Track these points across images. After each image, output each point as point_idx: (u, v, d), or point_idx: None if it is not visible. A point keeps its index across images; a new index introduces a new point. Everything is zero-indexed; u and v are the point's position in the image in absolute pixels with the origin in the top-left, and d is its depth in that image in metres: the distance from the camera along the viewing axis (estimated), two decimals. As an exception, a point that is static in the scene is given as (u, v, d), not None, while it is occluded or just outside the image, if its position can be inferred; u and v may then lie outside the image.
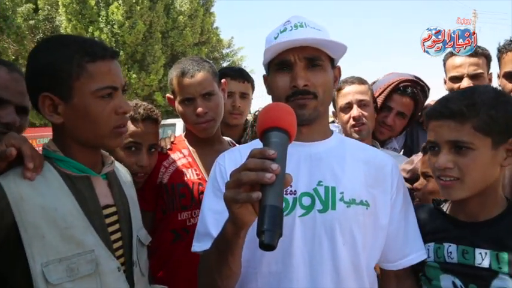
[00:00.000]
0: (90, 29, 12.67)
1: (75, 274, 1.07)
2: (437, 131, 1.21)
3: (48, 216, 1.06)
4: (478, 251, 1.17)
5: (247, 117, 2.46)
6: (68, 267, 1.06)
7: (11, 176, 1.07)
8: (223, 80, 1.93)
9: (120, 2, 12.63)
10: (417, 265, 1.26)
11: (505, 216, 1.21)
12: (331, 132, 1.31)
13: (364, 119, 2.03)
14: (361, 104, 2.04)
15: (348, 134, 2.04)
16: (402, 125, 2.22)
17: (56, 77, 1.11)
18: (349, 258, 1.15)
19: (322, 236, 1.13)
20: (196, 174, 1.80)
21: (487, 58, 2.32)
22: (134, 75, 12.98)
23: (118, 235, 1.22)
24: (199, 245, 1.18)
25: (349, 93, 2.06)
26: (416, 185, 1.71)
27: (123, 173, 1.41)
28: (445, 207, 1.35)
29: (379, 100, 2.14)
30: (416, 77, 2.21)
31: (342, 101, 2.08)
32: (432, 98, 2.30)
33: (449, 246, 1.23)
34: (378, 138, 2.22)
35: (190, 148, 1.86)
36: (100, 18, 12.70)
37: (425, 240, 1.28)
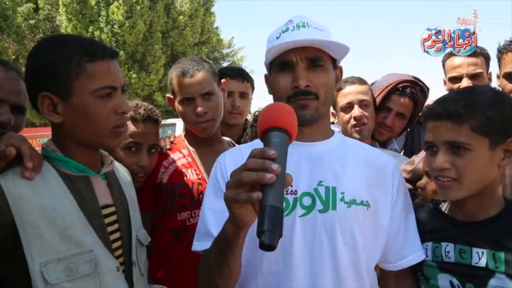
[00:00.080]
0: (91, 29, 12.69)
1: (74, 274, 1.06)
2: (435, 131, 1.21)
3: (47, 216, 1.06)
4: (475, 250, 1.17)
5: (247, 117, 2.45)
6: (67, 267, 1.06)
7: (10, 175, 1.07)
8: (223, 80, 1.93)
9: (121, 1, 12.65)
10: (416, 265, 1.27)
11: (502, 215, 1.21)
12: (332, 132, 1.31)
13: (365, 119, 2.02)
14: (362, 104, 2.04)
15: (348, 134, 2.03)
16: (402, 126, 2.21)
17: (56, 77, 1.11)
18: (349, 258, 1.14)
19: (322, 236, 1.13)
20: (196, 174, 1.79)
21: (486, 57, 2.31)
22: (134, 75, 13.00)
23: (117, 235, 1.22)
24: (200, 245, 1.18)
25: (350, 93, 2.05)
26: (419, 184, 1.70)
27: (123, 172, 1.40)
28: (444, 207, 1.35)
29: (378, 101, 2.14)
30: (415, 78, 2.20)
31: (342, 101, 2.07)
32: (432, 98, 2.30)
33: (447, 245, 1.23)
34: (378, 139, 2.22)
35: (190, 148, 1.86)
36: (100, 18, 12.72)
37: (424, 240, 1.28)
